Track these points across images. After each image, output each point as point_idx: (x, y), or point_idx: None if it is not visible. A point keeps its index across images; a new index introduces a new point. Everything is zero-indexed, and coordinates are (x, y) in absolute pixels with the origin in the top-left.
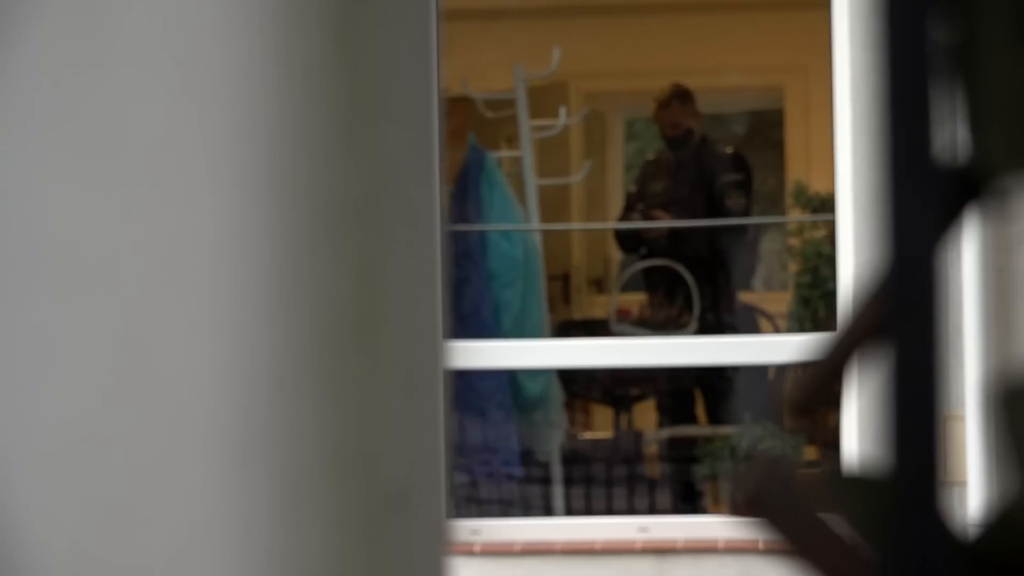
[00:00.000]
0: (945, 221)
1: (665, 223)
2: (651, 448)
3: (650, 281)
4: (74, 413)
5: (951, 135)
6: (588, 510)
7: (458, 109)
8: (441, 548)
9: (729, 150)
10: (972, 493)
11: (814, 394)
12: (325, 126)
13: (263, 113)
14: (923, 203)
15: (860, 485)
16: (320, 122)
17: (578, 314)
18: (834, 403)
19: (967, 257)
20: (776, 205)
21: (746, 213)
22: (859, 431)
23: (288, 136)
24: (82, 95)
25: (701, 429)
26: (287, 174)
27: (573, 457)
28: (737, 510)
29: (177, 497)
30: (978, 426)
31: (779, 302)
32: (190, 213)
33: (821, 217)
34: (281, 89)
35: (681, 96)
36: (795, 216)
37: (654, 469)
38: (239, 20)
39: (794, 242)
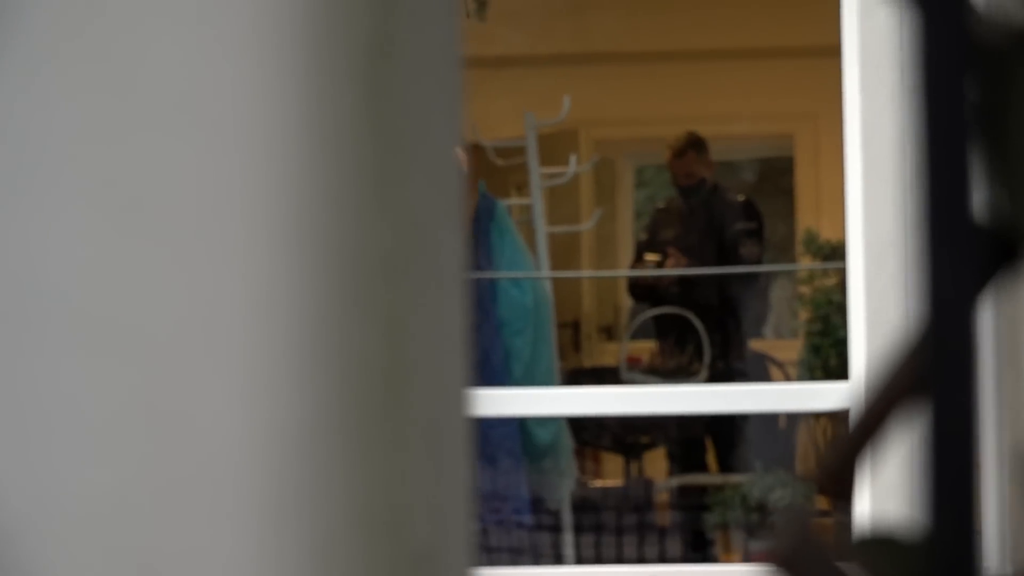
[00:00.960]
0: (981, 281)
1: (675, 271)
2: (662, 496)
3: (660, 329)
4: (103, 480)
5: (987, 196)
6: (598, 558)
7: (469, 156)
8: None
9: (740, 198)
10: (990, 545)
11: (850, 457)
12: (353, 183)
13: (292, 173)
14: (961, 263)
15: (893, 544)
16: (349, 179)
17: (588, 362)
18: (869, 465)
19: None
20: (786, 253)
21: (758, 261)
22: (876, 487)
23: (316, 194)
24: (111, 162)
25: (712, 477)
26: (316, 233)
27: (583, 505)
28: (761, 560)
29: (206, 563)
30: (996, 479)
31: (790, 350)
32: (218, 275)
33: (831, 265)
34: (309, 148)
35: (696, 145)
36: (805, 264)
37: (664, 517)
38: (265, 79)
39: (804, 290)
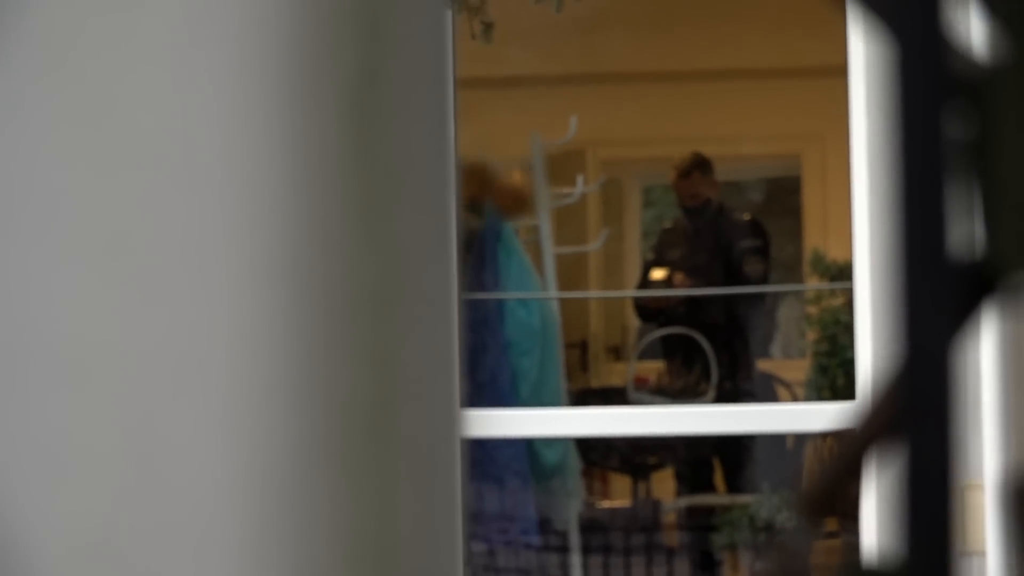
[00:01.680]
0: (960, 316)
1: (682, 291)
2: (669, 517)
3: (668, 349)
4: (88, 511)
5: (966, 231)
6: None
7: (476, 177)
8: None
9: (746, 217)
10: (992, 564)
11: (829, 485)
12: (341, 212)
13: (277, 203)
14: (937, 298)
15: (876, 574)
16: (336, 209)
17: (596, 382)
18: (852, 490)
19: (986, 346)
20: (794, 273)
21: (764, 280)
22: (881, 509)
23: (303, 224)
24: (96, 194)
25: (719, 498)
26: (302, 264)
27: (591, 526)
28: None
29: None
30: (995, 497)
31: (797, 370)
32: (204, 305)
33: (839, 285)
34: (296, 178)
35: (701, 166)
36: (813, 284)
37: (672, 538)
38: (251, 110)
39: (812, 310)
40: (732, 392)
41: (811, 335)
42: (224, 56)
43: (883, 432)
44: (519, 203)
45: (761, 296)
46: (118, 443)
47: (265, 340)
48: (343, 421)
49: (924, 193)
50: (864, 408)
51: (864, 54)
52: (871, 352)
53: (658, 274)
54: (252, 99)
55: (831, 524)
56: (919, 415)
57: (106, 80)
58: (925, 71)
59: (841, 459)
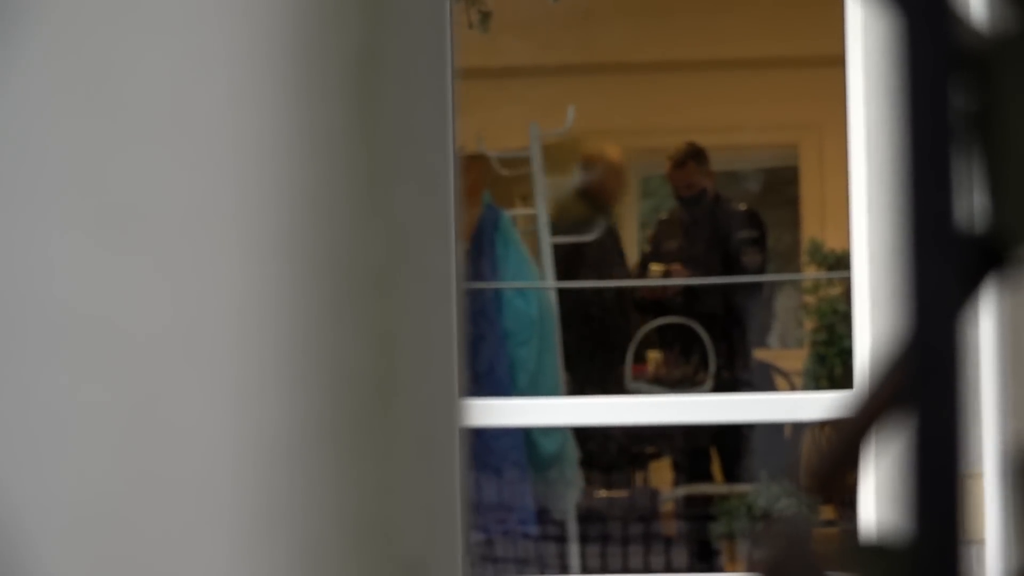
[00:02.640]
0: (966, 288)
1: (680, 280)
2: (667, 506)
3: (665, 339)
4: (91, 488)
5: (972, 203)
6: (604, 568)
7: (473, 167)
8: None
9: (743, 207)
10: (991, 552)
11: (835, 461)
12: (342, 193)
13: (278, 183)
14: (944, 270)
15: (880, 552)
16: (337, 189)
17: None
18: (855, 470)
19: (986, 322)
20: (791, 262)
21: (761, 270)
22: (879, 496)
23: (304, 205)
24: (99, 171)
25: (717, 487)
26: (305, 243)
27: (589, 515)
28: (753, 570)
29: (196, 572)
30: (997, 485)
31: (795, 359)
32: (206, 285)
33: (836, 274)
34: (296, 158)
35: (696, 155)
36: (810, 273)
37: (670, 527)
38: (251, 90)
39: (809, 299)
40: (730, 382)
41: (809, 324)
42: (226, 34)
43: (890, 406)
44: (620, 182)
45: (759, 286)
46: (118, 418)
47: (269, 316)
48: (347, 402)
49: (930, 165)
50: (871, 382)
51: (862, 44)
52: (869, 341)
53: (655, 268)
54: (255, 78)
55: (830, 511)
56: (927, 387)
57: (109, 54)
58: (931, 43)
59: (846, 435)
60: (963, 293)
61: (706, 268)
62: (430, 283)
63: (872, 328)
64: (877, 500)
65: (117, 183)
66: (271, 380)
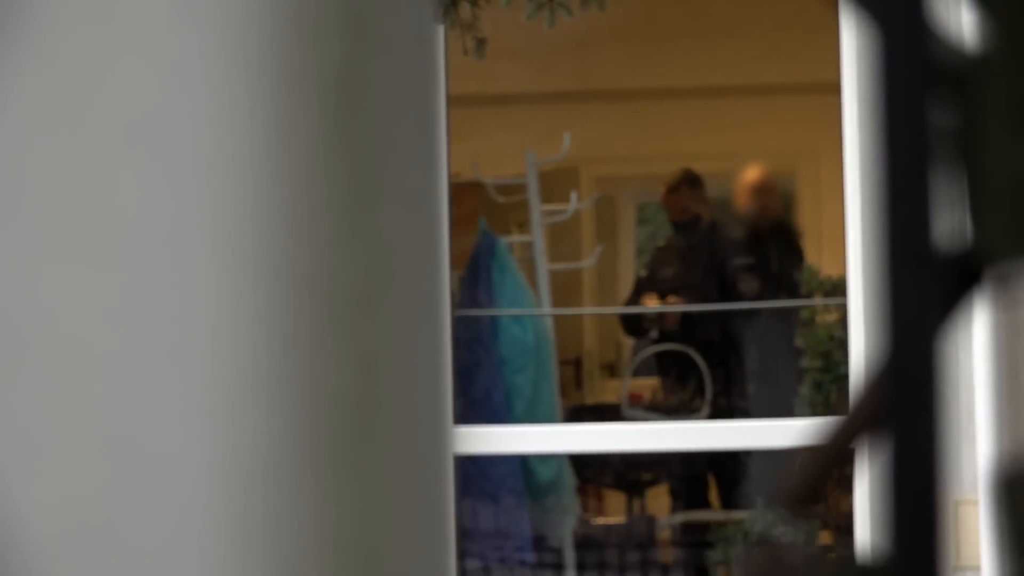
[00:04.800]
0: (946, 307)
1: (675, 307)
2: (664, 533)
3: (662, 365)
4: (66, 506)
5: (952, 221)
6: None
7: (469, 194)
8: None
9: (740, 233)
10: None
11: (814, 480)
12: (325, 212)
13: (260, 200)
14: (922, 290)
15: (861, 573)
16: (320, 208)
17: (590, 399)
18: (835, 489)
19: (977, 342)
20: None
21: (758, 297)
22: (870, 516)
23: (287, 223)
24: (76, 187)
25: (714, 514)
26: (286, 261)
27: (586, 543)
28: None
29: None
30: (989, 511)
31: None
32: (186, 301)
33: (833, 301)
34: (279, 175)
35: (690, 181)
36: (807, 300)
37: (667, 554)
38: (233, 104)
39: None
40: (726, 408)
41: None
42: (205, 49)
43: (868, 426)
44: (772, 200)
45: (755, 312)
46: (94, 436)
47: (248, 337)
48: (327, 422)
49: (910, 183)
50: (851, 400)
51: (857, 70)
52: (861, 369)
53: (651, 301)
54: (234, 93)
55: (827, 536)
56: (906, 408)
57: (87, 70)
58: (910, 60)
59: (825, 453)
60: (942, 313)
61: (702, 294)
62: (416, 305)
63: (868, 354)
64: (869, 525)
65: (96, 200)
66: (249, 398)
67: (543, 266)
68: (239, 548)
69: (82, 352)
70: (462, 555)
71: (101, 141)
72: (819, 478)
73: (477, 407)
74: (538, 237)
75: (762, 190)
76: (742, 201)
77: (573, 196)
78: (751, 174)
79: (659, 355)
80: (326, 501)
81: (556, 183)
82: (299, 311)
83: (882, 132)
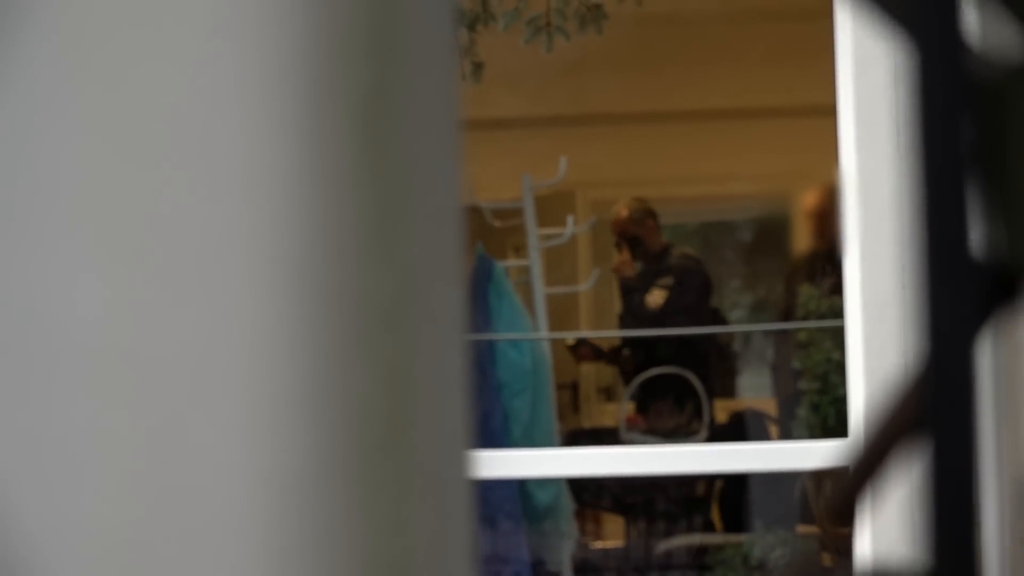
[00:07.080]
0: (980, 318)
1: (673, 331)
2: (662, 557)
3: (660, 389)
4: (105, 518)
5: (985, 234)
6: None
7: (465, 218)
8: None
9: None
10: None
11: (853, 497)
12: (354, 232)
13: (292, 220)
14: (960, 298)
15: None
16: (349, 228)
17: (587, 423)
18: (871, 504)
19: (984, 356)
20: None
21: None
22: (883, 532)
23: (317, 241)
24: (114, 204)
25: (713, 537)
26: (317, 279)
27: (584, 567)
28: None
29: None
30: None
31: None
32: (218, 320)
33: (829, 323)
34: (312, 195)
35: (651, 213)
36: (803, 323)
37: None
38: (265, 125)
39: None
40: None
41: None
42: (237, 71)
43: (905, 432)
44: (829, 225)
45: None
46: (133, 450)
47: (281, 351)
48: (358, 435)
49: (945, 194)
50: (887, 408)
51: (853, 93)
52: (862, 390)
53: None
54: (266, 114)
55: (829, 562)
56: (944, 415)
57: (121, 88)
58: (944, 73)
59: (864, 463)
60: (976, 322)
61: (697, 318)
62: (440, 323)
63: (866, 377)
64: (876, 531)
65: (128, 218)
66: (283, 415)
67: (540, 290)
68: (276, 564)
69: (120, 362)
70: (477, 556)
71: (140, 155)
72: (859, 494)
73: (475, 431)
74: (535, 261)
75: (821, 215)
76: (802, 226)
77: (570, 220)
78: (809, 198)
79: (656, 378)
80: (358, 517)
81: (553, 207)
82: (331, 328)
83: (917, 145)
